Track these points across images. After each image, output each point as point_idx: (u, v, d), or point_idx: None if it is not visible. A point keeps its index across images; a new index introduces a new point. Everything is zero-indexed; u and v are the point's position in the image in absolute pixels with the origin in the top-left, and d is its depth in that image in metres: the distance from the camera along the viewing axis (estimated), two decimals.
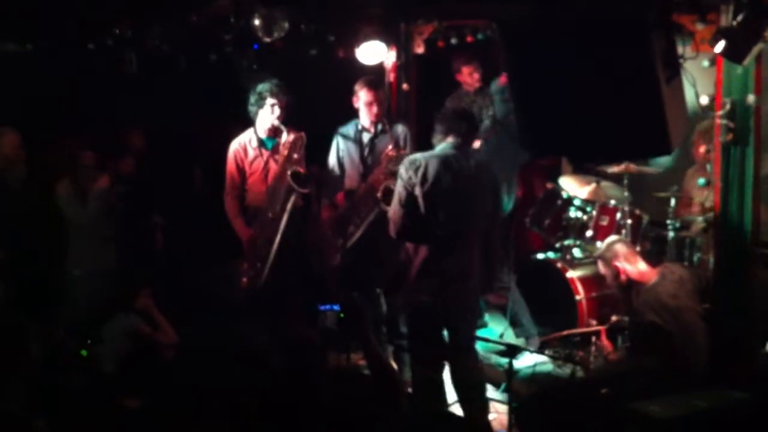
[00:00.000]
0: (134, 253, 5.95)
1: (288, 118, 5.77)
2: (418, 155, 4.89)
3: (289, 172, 5.57)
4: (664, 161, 6.28)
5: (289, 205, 5.64)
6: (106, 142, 5.99)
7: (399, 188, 4.82)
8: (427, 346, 5.02)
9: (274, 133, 5.81)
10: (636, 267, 4.91)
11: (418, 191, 4.75)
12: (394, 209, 4.85)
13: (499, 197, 5.18)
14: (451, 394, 5.14)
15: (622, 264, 4.91)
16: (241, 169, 5.88)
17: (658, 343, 4.56)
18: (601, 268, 5.06)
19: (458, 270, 4.84)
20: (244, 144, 5.87)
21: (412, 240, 4.90)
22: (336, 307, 4.00)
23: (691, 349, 4.61)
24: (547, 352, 6.01)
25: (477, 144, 6.70)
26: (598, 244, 6.28)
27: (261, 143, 5.86)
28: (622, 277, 4.89)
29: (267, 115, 5.76)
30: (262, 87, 5.74)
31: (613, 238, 5.25)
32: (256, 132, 5.85)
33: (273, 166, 5.79)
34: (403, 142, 5.98)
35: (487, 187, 4.97)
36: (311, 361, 3.26)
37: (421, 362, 5.05)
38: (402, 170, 4.83)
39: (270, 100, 5.71)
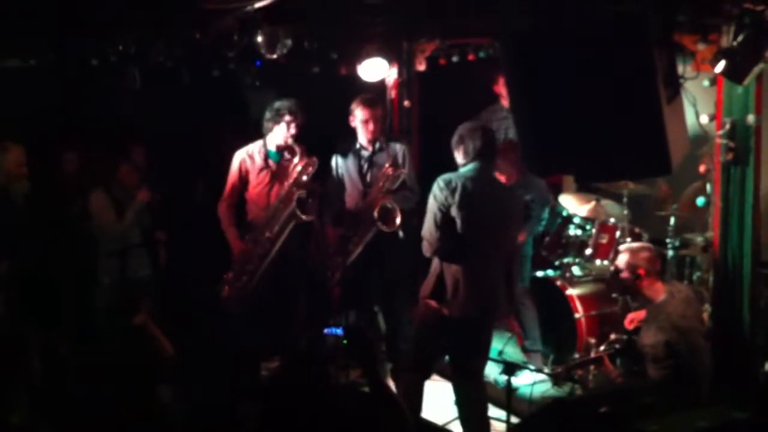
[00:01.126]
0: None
1: (300, 139, 5.81)
2: (452, 176, 4.86)
3: (295, 198, 5.57)
4: None
5: (287, 229, 5.65)
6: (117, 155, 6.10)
7: (434, 209, 4.79)
8: (427, 358, 5.05)
9: (285, 149, 5.84)
10: (652, 278, 4.92)
11: (455, 212, 4.75)
12: (429, 230, 4.82)
13: (522, 219, 5.21)
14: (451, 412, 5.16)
15: (644, 266, 4.90)
16: (243, 178, 5.88)
17: (666, 363, 4.56)
18: (622, 261, 5.01)
19: (489, 288, 4.88)
20: (251, 153, 5.88)
21: (446, 259, 4.88)
22: (339, 330, 3.99)
23: (697, 368, 4.61)
24: (545, 370, 6.01)
25: None
26: (597, 262, 6.32)
27: (268, 155, 5.87)
28: (641, 272, 4.89)
29: (281, 132, 5.78)
30: (280, 104, 5.77)
31: (641, 243, 5.25)
32: (265, 144, 5.87)
33: (277, 182, 5.81)
34: (401, 159, 5.99)
35: (514, 208, 5.02)
36: (315, 376, 3.26)
37: (414, 371, 5.08)
38: (436, 190, 4.80)
39: (287, 117, 5.74)
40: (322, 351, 4.82)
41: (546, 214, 6.35)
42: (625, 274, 4.98)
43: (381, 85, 6.69)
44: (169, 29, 5.53)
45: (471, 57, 6.57)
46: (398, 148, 6.05)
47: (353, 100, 6.07)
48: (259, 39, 5.43)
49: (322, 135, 6.31)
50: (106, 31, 5.69)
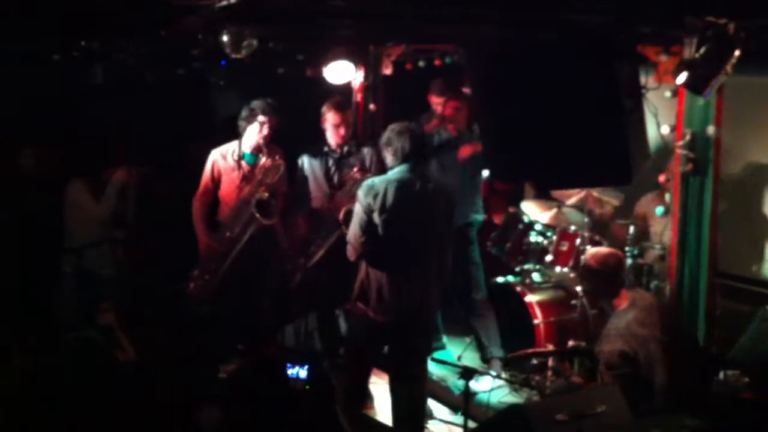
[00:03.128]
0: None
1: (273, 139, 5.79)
2: (376, 180, 4.89)
3: (254, 199, 5.55)
4: None
5: (249, 230, 5.62)
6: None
7: (359, 213, 4.82)
8: (365, 362, 5.11)
9: (259, 150, 5.81)
10: (617, 286, 4.94)
11: (376, 217, 4.77)
12: (354, 233, 4.85)
13: (453, 217, 5.20)
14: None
15: (609, 275, 4.91)
16: (215, 179, 5.87)
17: (621, 371, 4.59)
18: (594, 264, 5.01)
19: (416, 292, 4.88)
20: (225, 154, 5.88)
21: (370, 263, 4.90)
22: (304, 370, 3.97)
23: (652, 377, 4.65)
24: (503, 375, 6.03)
25: None
26: (558, 269, 6.36)
27: (241, 157, 5.83)
28: (602, 286, 4.90)
29: (254, 132, 5.75)
30: (255, 103, 5.76)
31: (609, 249, 5.27)
32: (240, 145, 5.84)
33: (248, 184, 5.77)
34: (369, 163, 6.00)
35: (442, 209, 5.01)
36: (276, 378, 3.25)
37: (354, 374, 5.11)
38: (361, 195, 4.83)
39: (261, 118, 5.71)
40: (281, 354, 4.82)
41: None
42: (591, 282, 5.01)
43: (347, 88, 6.68)
44: (132, 26, 5.47)
45: (437, 62, 6.60)
46: (366, 152, 6.06)
47: (320, 102, 6.07)
48: (225, 38, 5.39)
49: (287, 136, 6.29)
50: (69, 26, 5.61)
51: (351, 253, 4.90)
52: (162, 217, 6.02)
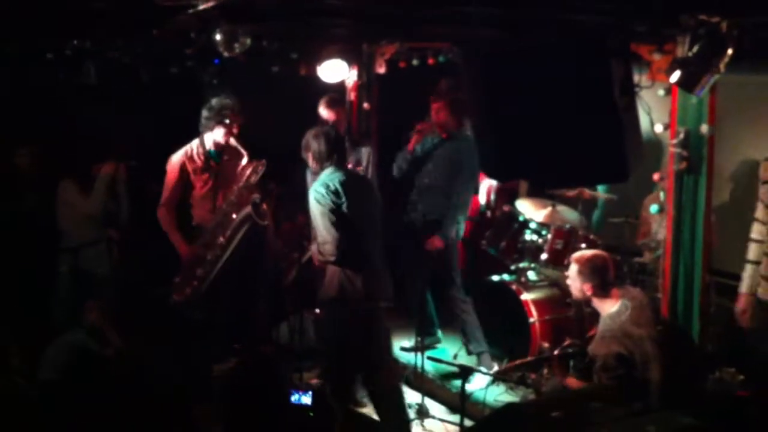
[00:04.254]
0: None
1: (247, 136, 5.75)
2: (325, 180, 4.98)
3: (251, 203, 5.51)
4: None
5: (240, 233, 5.59)
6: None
7: (327, 214, 4.88)
8: (349, 361, 5.14)
9: (224, 148, 5.75)
10: (603, 290, 4.87)
11: (345, 209, 4.90)
12: (327, 232, 4.90)
13: (380, 203, 5.35)
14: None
15: (592, 281, 4.83)
16: (186, 182, 5.75)
17: (617, 373, 4.57)
18: (572, 273, 4.95)
19: (374, 284, 5.03)
20: (190, 155, 5.75)
21: (349, 256, 4.95)
22: (308, 397, 3.99)
23: (647, 377, 4.63)
24: (497, 369, 6.04)
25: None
26: (552, 267, 6.36)
27: (208, 156, 5.78)
28: (588, 292, 4.86)
29: (222, 133, 5.69)
30: (221, 103, 5.68)
31: (594, 251, 5.23)
32: (202, 144, 5.76)
33: (222, 183, 5.72)
34: (366, 162, 6.01)
35: (376, 197, 5.26)
36: (272, 377, 3.24)
37: (340, 375, 5.15)
38: (318, 196, 4.90)
39: (228, 118, 5.65)
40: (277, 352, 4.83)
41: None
42: (575, 294, 4.99)
43: (341, 87, 6.68)
44: (125, 25, 5.46)
45: (431, 61, 6.60)
46: (363, 151, 6.08)
47: (314, 100, 6.08)
48: (218, 37, 5.39)
49: (281, 134, 6.29)
50: (62, 25, 5.60)
51: (330, 252, 4.91)
52: (155, 216, 5.99)
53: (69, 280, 5.94)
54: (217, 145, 5.72)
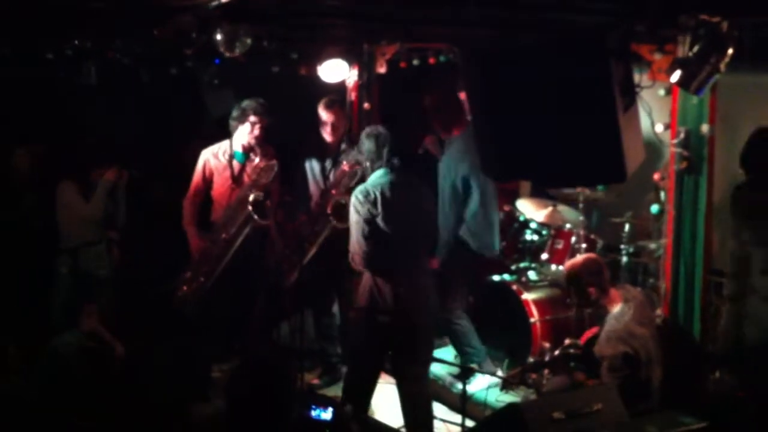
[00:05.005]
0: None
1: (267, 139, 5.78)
2: (368, 185, 4.89)
3: (250, 199, 5.53)
4: None
5: (244, 232, 5.60)
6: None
7: (359, 222, 4.81)
8: (368, 363, 5.09)
9: (250, 150, 5.80)
10: (603, 291, 4.87)
11: (380, 221, 4.78)
12: (358, 243, 4.84)
13: (433, 213, 5.26)
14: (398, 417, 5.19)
15: (594, 283, 4.84)
16: (207, 178, 5.85)
17: (623, 373, 4.57)
18: (570, 282, 4.96)
19: (419, 290, 4.92)
20: (216, 153, 5.86)
21: (379, 268, 4.89)
22: (328, 413, 3.97)
23: (651, 374, 4.63)
24: (500, 374, 6.03)
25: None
26: (553, 267, 6.36)
27: (233, 156, 5.82)
28: (593, 296, 4.86)
29: (245, 132, 5.75)
30: (247, 103, 5.76)
31: (585, 255, 5.23)
32: (231, 144, 5.83)
33: (240, 184, 5.76)
34: None
35: (429, 201, 5.13)
36: (276, 379, 3.24)
37: (358, 375, 5.11)
38: (356, 203, 4.83)
39: (252, 118, 5.71)
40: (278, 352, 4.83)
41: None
42: (579, 303, 4.99)
43: (341, 87, 6.68)
44: (126, 25, 5.46)
45: (431, 61, 6.60)
46: None
47: (315, 101, 6.08)
48: (218, 37, 5.39)
49: (282, 135, 6.29)
50: (62, 25, 5.60)
51: (358, 262, 4.89)
52: (155, 217, 6.01)
53: (69, 281, 5.93)
54: (243, 147, 5.78)
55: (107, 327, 5.30)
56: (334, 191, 5.82)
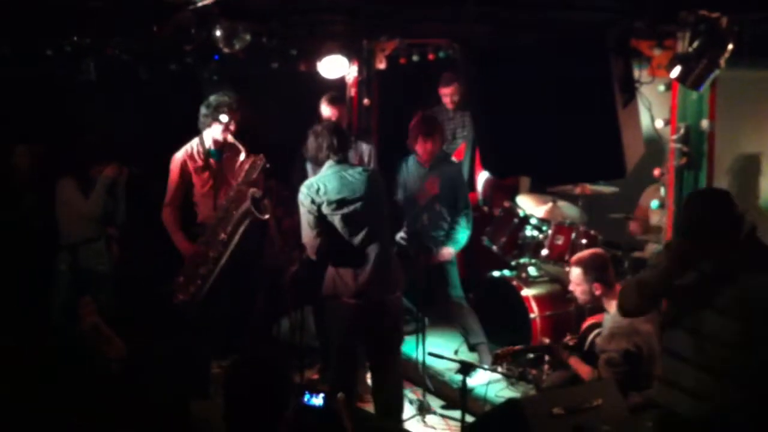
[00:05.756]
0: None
1: (246, 133, 5.73)
2: (312, 179, 5.02)
3: (250, 197, 5.49)
4: None
5: (241, 229, 5.58)
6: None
7: (305, 214, 4.94)
8: (348, 355, 5.18)
9: (223, 146, 5.73)
10: (608, 288, 4.87)
11: (326, 210, 4.90)
12: (306, 235, 4.97)
13: (384, 197, 5.32)
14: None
15: (600, 280, 4.85)
16: (187, 181, 5.74)
17: (622, 369, 4.57)
18: (575, 277, 4.97)
19: (369, 281, 5.00)
20: (191, 153, 5.73)
21: (331, 260, 5.04)
22: (319, 399, 4.02)
23: (652, 370, 4.62)
24: (500, 370, 6.04)
25: (455, 159, 6.77)
26: (553, 263, 6.36)
27: (208, 154, 5.77)
28: (598, 292, 4.86)
29: (219, 130, 5.66)
30: (217, 100, 5.65)
31: (591, 250, 5.22)
32: (202, 142, 5.75)
33: (223, 181, 5.71)
34: (368, 159, 6.01)
35: (380, 191, 5.18)
36: (276, 377, 3.24)
37: (339, 368, 5.19)
38: (301, 196, 4.95)
39: (225, 114, 5.62)
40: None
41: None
42: (582, 298, 4.99)
43: (341, 83, 6.68)
44: (125, 22, 5.46)
45: (431, 57, 6.60)
46: (365, 147, 6.09)
47: (314, 97, 6.07)
48: (218, 33, 5.38)
49: (281, 131, 6.29)
50: (61, 22, 5.60)
51: (310, 252, 5.05)
52: (155, 213, 5.99)
53: (68, 278, 5.94)
54: (216, 142, 5.70)
55: (107, 325, 5.29)
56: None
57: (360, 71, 6.67)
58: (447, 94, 7.10)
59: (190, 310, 5.66)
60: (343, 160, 5.07)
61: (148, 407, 4.12)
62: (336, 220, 4.94)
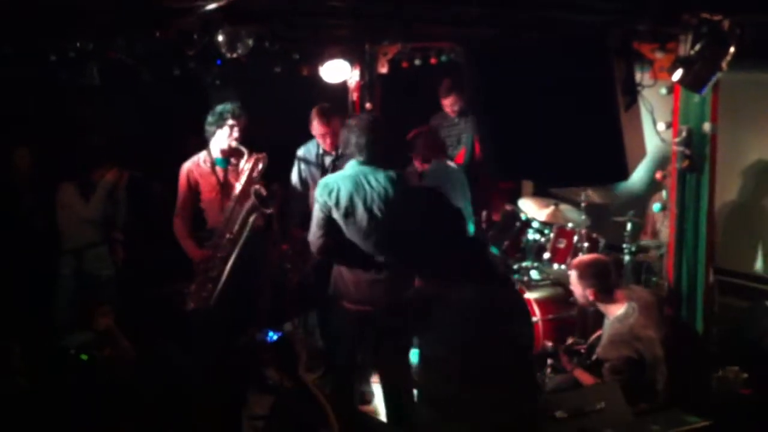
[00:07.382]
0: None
1: (249, 137, 5.74)
2: (331, 178, 4.95)
3: (253, 192, 5.50)
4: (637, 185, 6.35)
5: (248, 226, 5.58)
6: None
7: (316, 211, 4.89)
8: (350, 358, 5.12)
9: (230, 153, 5.74)
10: (606, 293, 4.84)
11: (335, 214, 4.83)
12: (312, 232, 4.91)
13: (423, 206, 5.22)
14: None
15: (594, 286, 4.81)
16: (194, 190, 5.74)
17: (625, 376, 4.55)
18: (572, 281, 4.96)
19: (384, 283, 4.86)
20: (197, 163, 5.74)
21: (333, 258, 5.00)
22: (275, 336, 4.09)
23: (656, 375, 4.61)
24: None
25: (453, 164, 6.76)
26: (555, 266, 6.36)
27: (215, 163, 5.77)
28: (591, 297, 4.83)
29: (225, 136, 5.68)
30: (223, 108, 5.66)
31: (593, 255, 5.21)
32: (210, 152, 5.75)
33: (229, 187, 5.72)
34: None
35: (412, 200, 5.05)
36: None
37: (341, 371, 5.17)
38: (317, 194, 4.88)
39: (230, 121, 5.63)
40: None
41: None
42: (581, 300, 4.98)
43: (343, 87, 6.68)
44: (128, 26, 5.47)
45: (433, 61, 6.60)
46: None
47: (317, 101, 6.07)
48: (220, 38, 5.39)
49: (284, 134, 6.29)
50: (64, 26, 5.61)
51: (313, 250, 5.00)
52: (157, 217, 6.00)
53: (71, 282, 5.93)
54: (222, 152, 5.73)
55: (118, 329, 5.30)
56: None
57: (362, 75, 6.67)
58: (447, 105, 7.06)
59: (200, 316, 5.65)
60: (369, 162, 4.86)
61: (153, 409, 4.12)
62: (344, 225, 4.85)
